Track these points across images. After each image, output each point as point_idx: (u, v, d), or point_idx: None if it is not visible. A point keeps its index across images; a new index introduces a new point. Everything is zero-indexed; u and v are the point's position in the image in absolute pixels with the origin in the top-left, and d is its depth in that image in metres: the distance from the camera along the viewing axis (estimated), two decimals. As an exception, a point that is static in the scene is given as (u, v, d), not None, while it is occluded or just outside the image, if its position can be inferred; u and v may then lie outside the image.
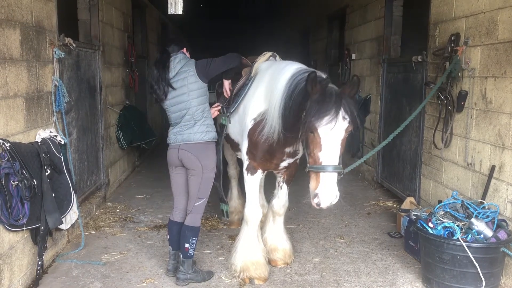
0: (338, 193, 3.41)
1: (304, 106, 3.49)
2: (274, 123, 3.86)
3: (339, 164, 3.42)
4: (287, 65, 4.01)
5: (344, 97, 3.39)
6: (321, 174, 3.37)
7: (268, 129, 3.92)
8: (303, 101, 3.54)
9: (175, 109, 4.12)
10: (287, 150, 4.21)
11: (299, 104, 3.58)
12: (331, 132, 3.33)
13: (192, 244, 4.18)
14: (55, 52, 4.74)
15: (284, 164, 4.37)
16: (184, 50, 4.26)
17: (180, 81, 4.06)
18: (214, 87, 5.47)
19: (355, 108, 3.43)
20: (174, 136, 4.15)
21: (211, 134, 4.18)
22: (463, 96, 4.77)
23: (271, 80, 4.04)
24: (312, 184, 3.42)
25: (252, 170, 4.37)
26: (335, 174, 3.40)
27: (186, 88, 4.05)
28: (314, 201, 3.40)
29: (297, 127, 3.65)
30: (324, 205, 3.38)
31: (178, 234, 4.28)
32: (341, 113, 3.31)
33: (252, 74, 4.56)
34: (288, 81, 3.78)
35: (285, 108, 3.73)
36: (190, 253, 4.19)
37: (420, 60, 5.80)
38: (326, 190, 3.35)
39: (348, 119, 3.34)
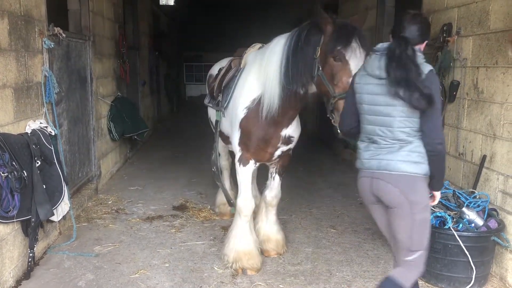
0: None
1: (317, 43, 3.59)
2: (273, 93, 3.90)
3: None
4: (274, 43, 4.06)
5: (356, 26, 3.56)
6: None
7: (268, 103, 3.94)
8: (314, 42, 3.62)
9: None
10: (283, 133, 4.19)
11: (312, 46, 3.64)
12: (357, 58, 3.45)
13: None
14: (45, 42, 4.67)
15: (278, 153, 4.34)
16: None
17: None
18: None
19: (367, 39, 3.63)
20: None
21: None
22: (455, 86, 4.78)
23: (262, 61, 4.07)
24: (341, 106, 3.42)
25: (244, 161, 4.32)
26: None
27: None
28: None
29: (305, 75, 3.70)
30: None
31: None
32: (359, 42, 3.49)
33: (242, 66, 4.52)
34: (284, 46, 3.85)
35: (289, 61, 3.77)
36: None
37: (412, 50, 5.79)
38: None
39: (365, 47, 3.50)
